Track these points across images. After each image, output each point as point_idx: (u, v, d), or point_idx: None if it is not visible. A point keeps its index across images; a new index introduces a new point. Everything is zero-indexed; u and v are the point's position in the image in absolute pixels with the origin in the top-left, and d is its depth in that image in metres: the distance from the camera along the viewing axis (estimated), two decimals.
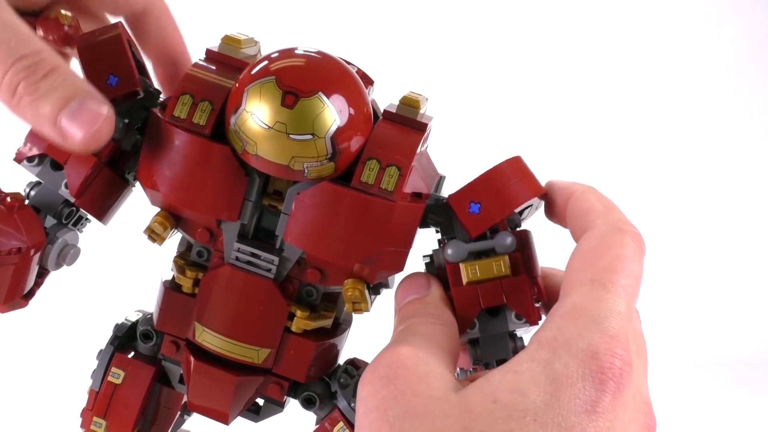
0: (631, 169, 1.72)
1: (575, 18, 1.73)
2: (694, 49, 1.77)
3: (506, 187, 0.45)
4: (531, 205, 0.47)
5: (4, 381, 1.23)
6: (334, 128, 0.42)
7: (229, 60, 0.45)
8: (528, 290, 0.45)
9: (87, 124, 0.42)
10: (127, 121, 0.47)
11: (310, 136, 0.41)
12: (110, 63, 0.45)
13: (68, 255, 0.48)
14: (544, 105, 1.69)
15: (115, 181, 0.48)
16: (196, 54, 0.48)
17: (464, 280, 0.45)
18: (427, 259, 0.48)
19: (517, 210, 0.46)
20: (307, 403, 0.50)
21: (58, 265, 0.49)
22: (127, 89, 0.45)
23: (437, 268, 0.47)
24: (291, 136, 0.41)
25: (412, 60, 1.60)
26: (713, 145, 1.79)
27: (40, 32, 0.48)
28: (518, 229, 0.46)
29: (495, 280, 0.45)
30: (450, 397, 0.38)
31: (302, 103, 0.41)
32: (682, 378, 1.55)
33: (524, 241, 0.46)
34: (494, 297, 0.45)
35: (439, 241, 0.48)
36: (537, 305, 0.46)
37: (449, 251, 0.45)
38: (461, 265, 0.45)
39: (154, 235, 0.46)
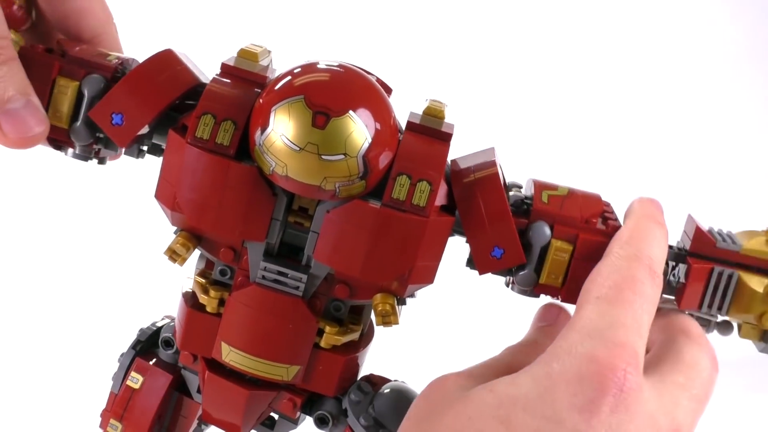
0: (632, 170, 1.72)
1: (575, 18, 1.73)
2: (694, 49, 1.77)
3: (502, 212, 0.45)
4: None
5: (32, 379, 1.24)
6: (365, 146, 0.41)
7: (246, 74, 0.45)
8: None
9: (23, 127, 0.43)
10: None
11: (342, 156, 0.41)
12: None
13: None
14: (543, 105, 1.69)
15: None
16: (210, 66, 0.48)
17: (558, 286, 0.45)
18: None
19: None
20: (321, 422, 0.50)
21: None
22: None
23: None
24: (323, 156, 0.41)
25: (409, 58, 1.60)
26: (713, 146, 1.79)
27: None
28: (528, 202, 0.46)
29: (571, 264, 0.45)
30: (459, 395, 0.39)
31: (333, 123, 0.41)
32: None
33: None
34: (586, 269, 0.43)
35: (506, 283, 0.47)
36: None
37: (522, 286, 0.45)
38: (541, 281, 0.45)
39: (175, 255, 0.45)
